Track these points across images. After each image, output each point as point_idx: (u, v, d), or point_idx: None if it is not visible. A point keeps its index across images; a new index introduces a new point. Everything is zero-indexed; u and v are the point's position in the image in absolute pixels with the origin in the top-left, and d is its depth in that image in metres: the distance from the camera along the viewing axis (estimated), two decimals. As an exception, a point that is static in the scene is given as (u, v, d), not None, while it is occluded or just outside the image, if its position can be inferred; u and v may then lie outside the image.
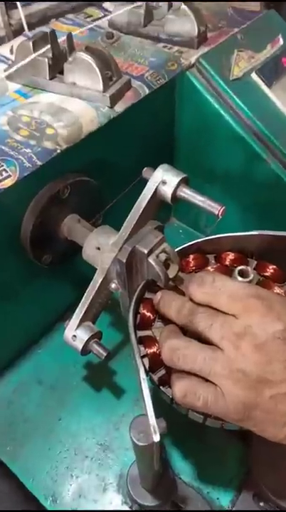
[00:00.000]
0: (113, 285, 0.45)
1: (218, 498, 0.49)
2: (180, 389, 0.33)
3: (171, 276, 0.41)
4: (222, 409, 0.33)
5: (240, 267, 0.39)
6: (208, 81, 0.55)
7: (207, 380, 0.33)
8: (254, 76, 0.57)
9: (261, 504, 0.47)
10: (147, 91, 0.51)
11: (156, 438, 0.30)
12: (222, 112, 0.55)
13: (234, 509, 0.48)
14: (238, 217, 0.63)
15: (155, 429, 0.30)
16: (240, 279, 0.38)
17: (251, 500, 0.48)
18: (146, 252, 0.40)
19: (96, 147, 0.48)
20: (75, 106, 0.47)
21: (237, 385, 0.32)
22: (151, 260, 0.40)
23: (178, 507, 0.47)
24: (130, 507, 0.48)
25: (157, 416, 0.31)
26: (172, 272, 0.41)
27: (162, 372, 0.38)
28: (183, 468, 0.51)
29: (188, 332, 0.36)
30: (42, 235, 0.48)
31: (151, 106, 0.53)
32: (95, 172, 0.48)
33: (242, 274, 0.39)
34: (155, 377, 0.38)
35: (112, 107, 0.48)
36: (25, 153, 0.42)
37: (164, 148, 0.63)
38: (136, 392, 0.58)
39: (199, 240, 0.45)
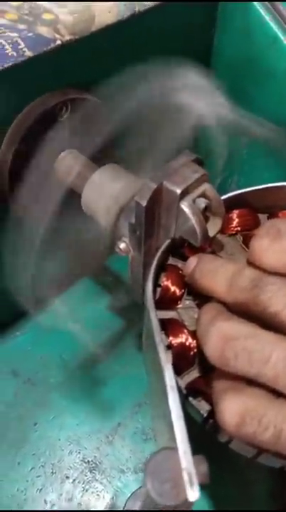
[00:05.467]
0: (122, 245, 0.32)
1: None
2: (235, 410, 0.19)
3: (211, 233, 0.28)
4: None
5: None
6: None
7: (279, 395, 0.20)
8: None
9: None
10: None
11: (193, 495, 0.17)
12: (280, 35, 0.41)
13: None
14: None
15: (192, 479, 0.17)
16: None
17: None
18: (178, 192, 0.26)
19: (110, 52, 0.34)
20: (87, -8, 0.34)
21: None
22: (184, 206, 0.27)
23: None
24: None
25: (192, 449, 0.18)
26: (213, 227, 0.28)
27: (194, 374, 0.25)
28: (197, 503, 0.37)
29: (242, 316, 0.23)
30: (27, 170, 0.34)
31: (189, 12, 0.39)
32: (105, 92, 0.34)
33: None
34: (182, 382, 0.25)
35: (138, -4, 0.34)
36: (8, 38, 0.28)
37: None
38: (137, 395, 0.47)
39: (246, 190, 0.32)
